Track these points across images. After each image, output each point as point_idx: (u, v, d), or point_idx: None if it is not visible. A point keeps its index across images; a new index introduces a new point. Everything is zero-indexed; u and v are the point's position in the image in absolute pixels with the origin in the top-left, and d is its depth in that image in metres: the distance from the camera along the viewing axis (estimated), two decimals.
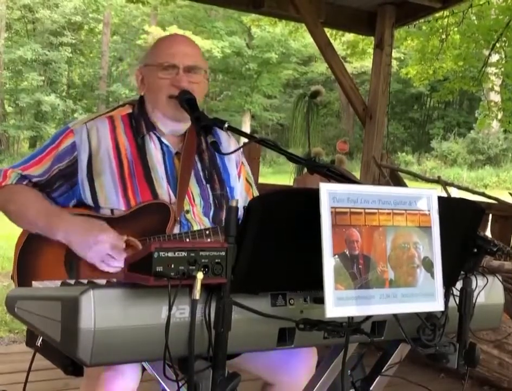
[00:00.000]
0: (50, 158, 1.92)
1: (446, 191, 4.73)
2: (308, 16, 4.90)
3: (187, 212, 1.92)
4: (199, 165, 2.01)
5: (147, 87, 1.99)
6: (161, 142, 1.97)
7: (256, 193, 2.19)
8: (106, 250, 1.77)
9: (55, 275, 1.79)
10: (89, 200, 1.89)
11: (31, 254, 1.87)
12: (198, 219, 1.94)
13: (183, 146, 1.98)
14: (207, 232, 1.87)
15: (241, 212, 1.28)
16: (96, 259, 1.78)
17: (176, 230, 1.89)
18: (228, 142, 2.08)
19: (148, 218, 1.87)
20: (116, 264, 1.78)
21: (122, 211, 1.87)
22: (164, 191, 1.91)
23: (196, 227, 1.91)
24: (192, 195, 1.95)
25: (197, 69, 1.95)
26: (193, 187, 1.96)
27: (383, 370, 1.64)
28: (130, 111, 2.00)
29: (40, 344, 1.67)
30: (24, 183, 1.91)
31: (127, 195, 1.88)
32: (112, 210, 1.88)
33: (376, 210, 1.31)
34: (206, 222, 1.95)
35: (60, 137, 1.94)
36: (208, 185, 2.00)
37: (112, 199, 1.87)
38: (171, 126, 1.97)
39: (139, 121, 1.97)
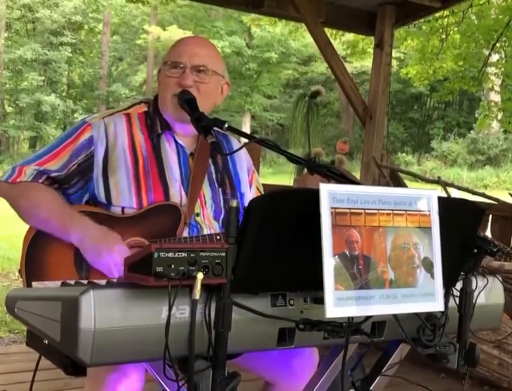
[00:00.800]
0: (67, 152, 1.89)
1: (446, 191, 4.74)
2: (308, 16, 4.90)
3: (198, 214, 1.91)
4: (212, 168, 2.01)
5: (158, 86, 1.99)
6: (176, 142, 1.97)
7: None
8: (115, 261, 1.73)
9: (64, 271, 1.79)
10: (102, 197, 1.87)
11: (39, 250, 1.84)
12: (208, 222, 1.93)
13: (196, 147, 1.98)
14: (218, 237, 1.85)
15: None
16: (103, 269, 1.75)
17: (185, 232, 1.88)
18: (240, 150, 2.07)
19: (158, 219, 1.86)
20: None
21: (133, 210, 1.86)
22: (176, 192, 1.89)
23: (205, 230, 1.90)
24: (204, 198, 1.94)
25: (206, 70, 1.93)
26: (206, 190, 1.95)
27: (383, 370, 1.64)
28: (145, 109, 2.00)
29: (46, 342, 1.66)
30: (42, 179, 1.87)
31: (140, 194, 1.86)
32: (122, 209, 1.86)
33: (376, 211, 1.31)
34: (215, 226, 1.94)
35: (77, 131, 1.91)
36: (220, 189, 1.99)
37: (125, 197, 1.86)
38: (179, 126, 1.96)
39: (154, 121, 1.96)
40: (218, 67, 1.98)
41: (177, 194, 1.89)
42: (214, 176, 2.00)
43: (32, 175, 1.86)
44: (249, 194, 2.09)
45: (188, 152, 1.98)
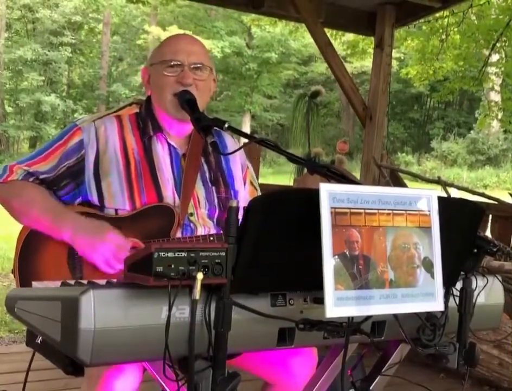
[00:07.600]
0: (57, 155, 1.90)
1: (446, 191, 4.73)
2: (308, 16, 4.90)
3: (191, 214, 1.91)
4: (205, 167, 2.00)
5: (153, 86, 1.97)
6: (168, 144, 1.96)
7: None
8: (110, 250, 1.73)
9: (57, 272, 1.78)
10: (94, 199, 1.88)
11: (32, 251, 1.85)
12: (202, 221, 1.93)
13: (188, 148, 1.98)
14: (211, 238, 1.86)
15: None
16: (99, 261, 1.75)
17: (179, 233, 1.88)
18: (234, 147, 2.07)
19: (152, 220, 1.86)
20: (119, 267, 1.74)
21: (126, 212, 1.86)
22: (169, 194, 1.89)
23: (200, 230, 1.90)
24: (198, 198, 1.94)
25: (202, 67, 1.94)
26: (199, 189, 1.95)
27: (383, 370, 1.64)
28: (137, 110, 1.99)
29: (40, 341, 1.67)
30: (31, 180, 1.88)
31: (133, 196, 1.87)
32: (116, 211, 1.87)
33: (376, 211, 1.31)
34: (210, 225, 1.94)
35: (67, 134, 1.91)
36: (213, 188, 1.99)
37: (118, 200, 1.86)
38: (177, 127, 1.96)
39: (145, 122, 1.96)
40: (211, 64, 2.00)
41: (170, 196, 1.90)
42: (207, 175, 2.00)
43: (22, 174, 1.88)
44: (243, 191, 2.09)
45: (180, 153, 1.97)
